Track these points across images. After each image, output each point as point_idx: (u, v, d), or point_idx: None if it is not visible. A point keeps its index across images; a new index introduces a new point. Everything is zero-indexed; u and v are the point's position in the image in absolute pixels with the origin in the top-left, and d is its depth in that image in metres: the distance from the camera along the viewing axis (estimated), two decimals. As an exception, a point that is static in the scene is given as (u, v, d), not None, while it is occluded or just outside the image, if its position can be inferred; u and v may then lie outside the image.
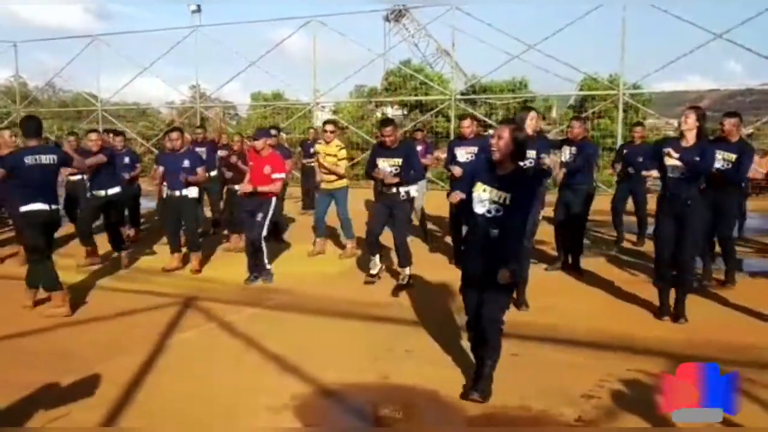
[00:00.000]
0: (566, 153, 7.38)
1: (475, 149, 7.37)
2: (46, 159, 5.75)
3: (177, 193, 7.44)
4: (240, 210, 7.49)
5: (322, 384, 4.14)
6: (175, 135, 7.60)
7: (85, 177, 8.90)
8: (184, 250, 7.75)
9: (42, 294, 5.93)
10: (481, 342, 3.95)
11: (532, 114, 5.84)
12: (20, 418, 3.68)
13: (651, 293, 5.80)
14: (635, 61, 24.41)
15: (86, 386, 4.06)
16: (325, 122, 8.80)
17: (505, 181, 3.81)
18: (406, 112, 22.64)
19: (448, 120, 17.26)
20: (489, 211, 3.84)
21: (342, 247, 8.62)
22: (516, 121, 4.52)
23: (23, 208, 5.68)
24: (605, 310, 5.89)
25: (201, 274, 7.45)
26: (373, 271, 6.93)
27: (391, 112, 23.68)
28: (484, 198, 3.85)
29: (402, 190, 6.56)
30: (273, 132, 8.88)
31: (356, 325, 5.49)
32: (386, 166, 6.55)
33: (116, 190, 7.87)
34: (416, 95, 20.42)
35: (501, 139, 3.77)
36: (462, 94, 18.45)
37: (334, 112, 22.53)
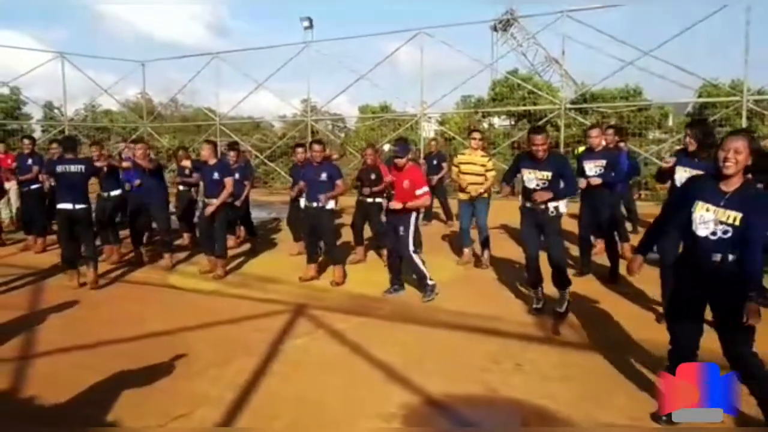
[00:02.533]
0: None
1: (603, 162, 7.20)
2: (75, 168, 7.28)
3: (315, 204, 7.44)
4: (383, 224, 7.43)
5: (430, 394, 4.17)
6: (318, 147, 7.56)
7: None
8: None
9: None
10: (746, 381, 3.46)
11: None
12: (144, 415, 3.95)
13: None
14: (761, 64, 22.89)
15: (206, 387, 4.32)
16: (473, 131, 8.67)
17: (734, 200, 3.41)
18: (513, 122, 22.36)
19: (558, 129, 16.88)
20: (714, 233, 3.46)
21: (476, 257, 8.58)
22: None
23: (57, 206, 7.39)
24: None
25: (310, 283, 7.58)
26: (537, 305, 6.19)
27: (498, 122, 23.48)
28: (707, 219, 3.48)
29: (551, 206, 5.82)
30: (411, 147, 9.02)
31: (464, 336, 5.48)
32: (533, 179, 5.86)
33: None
34: (524, 105, 20.13)
35: (739, 153, 3.36)
36: (572, 102, 18.00)
37: (441, 123, 22.60)
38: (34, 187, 10.06)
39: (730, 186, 3.43)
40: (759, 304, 3.25)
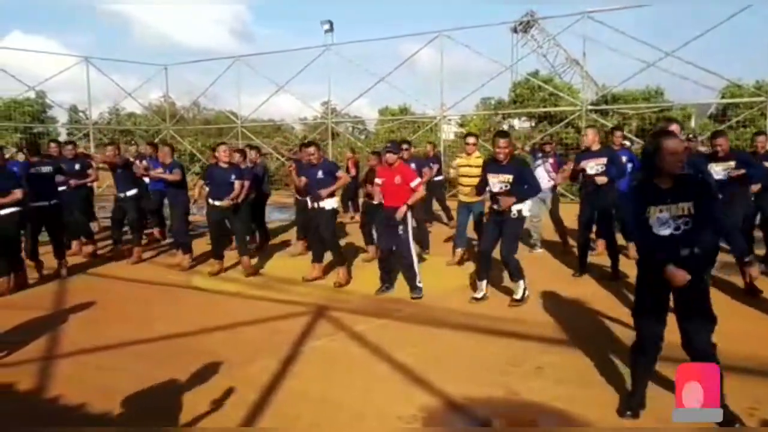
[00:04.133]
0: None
1: (604, 160, 7.35)
2: (45, 170, 8.23)
3: (316, 205, 7.61)
4: (381, 224, 7.37)
5: (450, 396, 4.19)
6: (311, 149, 7.73)
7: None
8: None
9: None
10: None
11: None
12: (167, 415, 4.01)
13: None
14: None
15: (228, 387, 4.37)
16: (467, 135, 8.72)
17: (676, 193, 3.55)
18: (534, 124, 22.28)
19: (578, 131, 16.80)
20: (677, 228, 3.54)
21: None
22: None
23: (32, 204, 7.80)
24: (755, 331, 5.49)
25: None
26: (478, 295, 6.67)
27: (518, 124, 23.42)
28: (664, 219, 3.56)
29: (514, 208, 6.30)
30: (405, 146, 9.19)
31: (484, 339, 5.49)
32: (495, 182, 6.38)
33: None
34: (544, 106, 20.05)
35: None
36: (593, 104, 17.88)
37: (461, 125, 22.58)
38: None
39: (666, 183, 3.56)
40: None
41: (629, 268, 7.45)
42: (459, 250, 8.67)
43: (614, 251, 7.56)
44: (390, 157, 7.00)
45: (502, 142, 6.34)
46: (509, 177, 6.30)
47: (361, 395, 4.28)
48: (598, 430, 3.75)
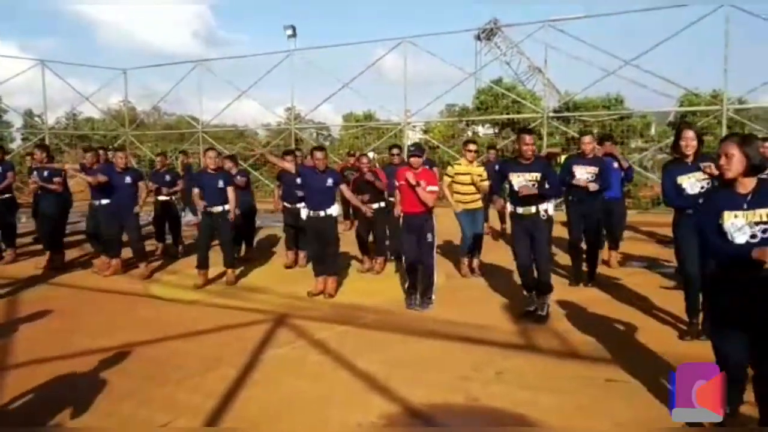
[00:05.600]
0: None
1: (596, 170, 7.29)
2: None
3: (321, 213, 7.22)
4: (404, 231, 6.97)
5: (410, 403, 4.15)
6: (320, 154, 7.24)
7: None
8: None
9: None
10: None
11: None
12: (124, 425, 3.91)
13: None
14: (740, 74, 23.17)
15: (186, 396, 4.27)
16: (468, 142, 8.54)
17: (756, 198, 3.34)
18: (497, 131, 22.48)
19: (541, 138, 16.98)
20: (754, 236, 3.29)
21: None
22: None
23: None
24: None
25: (293, 292, 7.49)
26: (531, 308, 6.25)
27: (482, 130, 23.60)
28: (740, 224, 3.32)
29: (541, 208, 6.02)
30: (395, 152, 9.10)
31: (447, 345, 5.46)
32: (522, 181, 5.99)
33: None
34: (508, 114, 20.24)
35: (730, 158, 3.34)
36: (555, 111, 18.10)
37: (425, 132, 22.66)
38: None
39: (747, 187, 3.36)
40: None
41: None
42: (466, 259, 8.37)
43: (595, 256, 7.60)
44: (415, 161, 6.69)
45: (528, 138, 6.00)
46: (537, 175, 5.98)
47: (322, 403, 4.21)
48: (552, 430, 3.74)
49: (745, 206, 3.31)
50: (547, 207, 6.11)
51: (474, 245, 8.28)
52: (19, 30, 73.89)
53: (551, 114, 17.26)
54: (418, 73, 23.38)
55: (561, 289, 7.22)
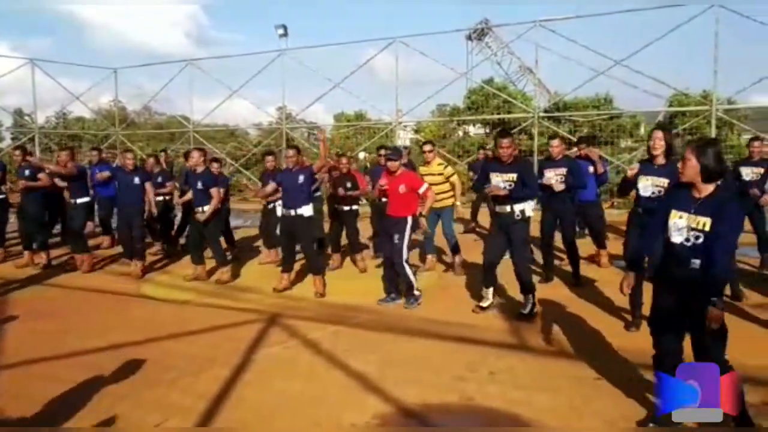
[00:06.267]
0: None
1: (564, 170, 7.42)
2: None
3: (292, 212, 7.29)
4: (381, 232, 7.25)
5: (405, 403, 4.15)
6: (291, 152, 7.39)
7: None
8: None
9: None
10: None
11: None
12: (118, 425, 3.89)
13: None
14: (730, 74, 23.32)
15: (177, 397, 4.25)
16: (424, 143, 8.71)
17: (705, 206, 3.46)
18: (488, 131, 22.52)
19: (531, 138, 17.03)
20: (688, 240, 3.48)
21: (447, 265, 8.74)
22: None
23: None
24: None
25: (284, 292, 7.49)
26: (484, 304, 6.45)
27: (473, 130, 23.64)
28: (681, 225, 3.52)
29: (516, 208, 6.11)
30: (402, 150, 9.08)
31: (439, 344, 5.46)
32: (500, 181, 6.15)
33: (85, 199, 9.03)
34: (499, 113, 20.28)
35: (685, 163, 3.50)
36: (545, 111, 18.14)
37: (416, 132, 22.67)
38: None
39: (702, 192, 3.48)
40: (721, 309, 3.29)
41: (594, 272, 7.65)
42: (429, 257, 8.63)
43: (575, 256, 7.67)
44: (392, 165, 6.83)
45: (505, 141, 6.12)
46: (513, 176, 6.13)
47: (315, 403, 4.20)
48: (548, 430, 3.76)
49: (692, 210, 3.48)
50: (524, 207, 6.19)
51: (450, 244, 8.42)
52: (11, 30, 73.39)
53: (542, 114, 17.29)
54: (409, 72, 23.48)
55: (551, 289, 7.28)
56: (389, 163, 6.87)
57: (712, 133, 14.86)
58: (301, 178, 7.26)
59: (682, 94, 17.59)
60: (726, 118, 15.92)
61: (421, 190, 6.77)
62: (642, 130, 21.30)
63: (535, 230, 7.71)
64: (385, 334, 5.79)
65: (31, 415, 4.02)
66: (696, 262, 3.42)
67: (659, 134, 5.40)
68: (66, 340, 5.65)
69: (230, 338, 5.67)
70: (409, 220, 6.76)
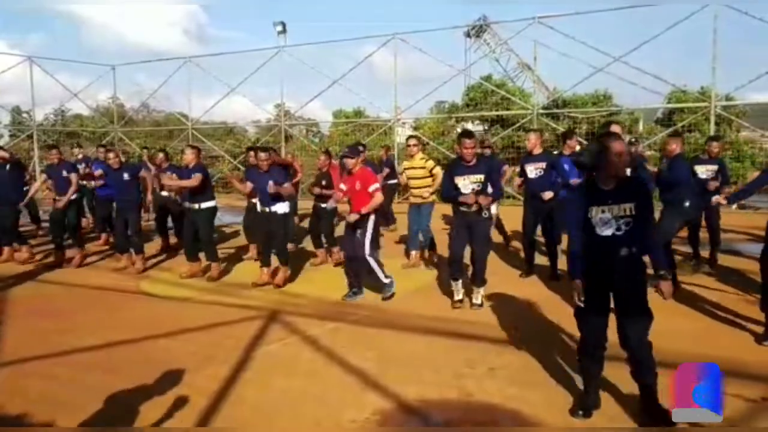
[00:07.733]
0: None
1: (543, 164, 7.48)
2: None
3: (267, 209, 7.51)
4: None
5: (404, 400, 4.15)
6: (263, 155, 7.55)
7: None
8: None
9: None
10: (635, 366, 3.73)
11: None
12: (114, 424, 3.89)
13: (752, 314, 5.60)
14: (728, 71, 23.35)
15: (178, 395, 4.24)
16: (408, 138, 8.84)
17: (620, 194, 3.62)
18: (487, 128, 22.51)
19: (530, 134, 17.02)
20: (619, 229, 3.60)
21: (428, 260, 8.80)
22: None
23: None
24: (706, 331, 5.59)
25: (283, 288, 7.52)
26: (458, 297, 6.52)
27: (472, 127, 23.62)
28: (606, 218, 3.62)
29: (483, 209, 6.15)
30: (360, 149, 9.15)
31: (438, 341, 5.46)
32: (467, 183, 6.14)
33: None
34: (497, 110, 20.28)
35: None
36: (544, 108, 18.15)
37: (415, 128, 22.65)
38: None
39: (608, 185, 3.63)
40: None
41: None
42: (413, 253, 8.70)
43: (554, 252, 7.70)
44: (348, 162, 6.91)
45: (468, 142, 6.11)
46: (481, 177, 6.12)
47: (315, 400, 4.20)
48: (551, 430, 3.76)
49: (610, 201, 3.61)
50: (490, 207, 6.30)
51: (426, 239, 8.54)
52: (9, 28, 73.23)
53: (540, 111, 17.30)
54: (408, 69, 23.46)
55: (545, 285, 7.28)
56: (346, 161, 6.95)
57: (711, 129, 14.87)
58: (270, 183, 7.36)
59: (680, 90, 17.60)
60: (725, 115, 15.93)
61: (371, 189, 6.80)
62: (641, 127, 21.31)
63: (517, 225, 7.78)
64: (384, 331, 5.79)
65: (28, 414, 4.01)
66: (624, 251, 3.59)
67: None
68: (65, 338, 5.64)
69: (229, 335, 5.66)
70: (372, 215, 6.82)
